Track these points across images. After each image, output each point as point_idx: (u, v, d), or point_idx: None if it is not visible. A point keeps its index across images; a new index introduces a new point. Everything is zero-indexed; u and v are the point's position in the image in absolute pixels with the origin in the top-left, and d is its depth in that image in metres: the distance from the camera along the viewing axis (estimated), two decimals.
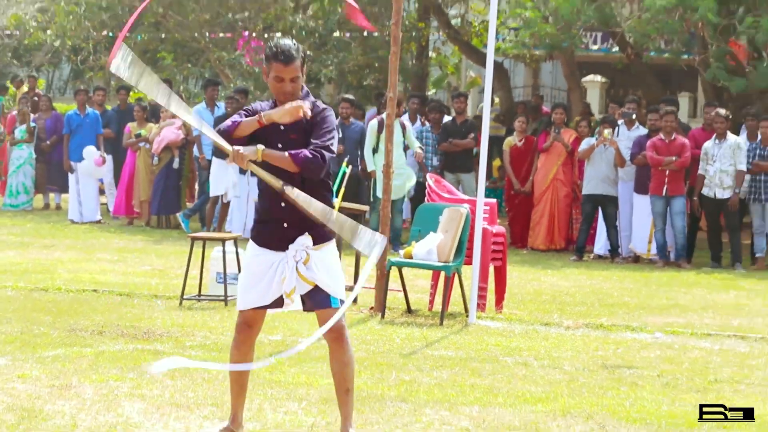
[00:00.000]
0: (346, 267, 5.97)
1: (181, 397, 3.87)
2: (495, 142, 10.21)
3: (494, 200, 6.41)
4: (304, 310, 3.37)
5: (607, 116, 9.95)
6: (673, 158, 8.59)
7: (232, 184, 9.48)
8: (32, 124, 11.41)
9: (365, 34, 12.33)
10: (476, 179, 7.72)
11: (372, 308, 5.93)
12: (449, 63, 15.69)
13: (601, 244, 9.23)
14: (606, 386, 4.29)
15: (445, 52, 15.56)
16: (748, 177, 8.68)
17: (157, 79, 3.16)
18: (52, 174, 11.35)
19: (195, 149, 10.13)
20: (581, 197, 9.27)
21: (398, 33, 5.89)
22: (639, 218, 8.93)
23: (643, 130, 9.12)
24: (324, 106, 3.31)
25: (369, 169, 8.93)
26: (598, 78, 15.21)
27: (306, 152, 3.19)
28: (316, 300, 3.28)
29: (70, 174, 10.80)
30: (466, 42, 13.40)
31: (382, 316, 5.79)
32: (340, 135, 8.73)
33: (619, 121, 9.37)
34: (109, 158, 10.88)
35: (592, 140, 9.17)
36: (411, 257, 5.85)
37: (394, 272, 5.94)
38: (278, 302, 3.33)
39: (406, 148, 8.97)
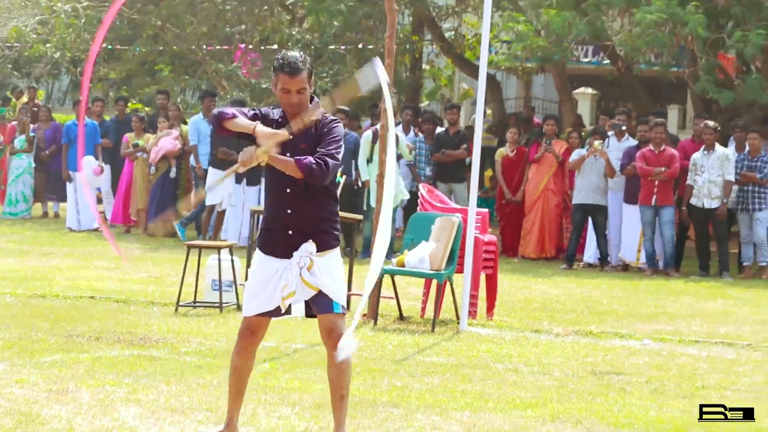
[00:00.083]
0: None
1: (176, 402, 3.93)
2: (487, 153, 10.31)
3: (486, 210, 6.50)
4: (306, 315, 3.43)
5: (598, 127, 10.09)
6: (663, 169, 8.70)
7: (228, 193, 9.58)
8: (31, 134, 11.50)
9: (360, 46, 12.47)
10: (468, 189, 7.82)
11: (365, 315, 6.01)
12: (442, 75, 15.83)
13: (590, 253, 9.32)
14: (595, 392, 4.36)
15: (439, 65, 15.70)
16: (735, 187, 8.80)
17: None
18: (51, 183, 11.43)
19: (192, 159, 10.23)
20: (571, 207, 9.38)
21: (392, 46, 6.00)
22: (628, 227, 9.04)
23: (632, 142, 9.24)
24: (333, 118, 3.38)
25: (363, 179, 9.03)
26: (589, 90, 15.35)
27: (311, 159, 3.25)
28: (319, 305, 3.34)
29: (68, 183, 10.88)
30: (459, 55, 13.54)
31: (375, 323, 5.87)
32: None
33: (609, 133, 9.50)
34: (107, 167, 10.97)
35: (583, 151, 9.29)
36: (403, 265, 5.93)
37: (386, 280, 6.01)
38: (282, 310, 3.36)
39: (399, 157, 9.07)
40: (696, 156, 8.76)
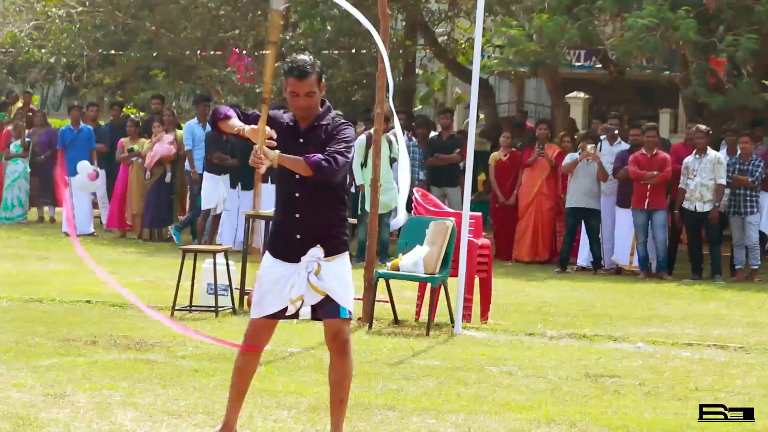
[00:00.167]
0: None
1: (173, 406, 3.94)
2: (480, 157, 10.36)
3: (479, 213, 6.52)
4: (312, 318, 3.44)
5: (590, 131, 10.15)
6: (655, 173, 8.77)
7: (223, 198, 9.60)
8: (27, 139, 11.51)
9: (353, 51, 12.51)
10: (462, 193, 7.87)
11: (360, 319, 6.04)
12: (436, 80, 15.88)
13: (584, 256, 9.37)
14: (589, 395, 4.38)
15: (432, 69, 15.75)
16: (727, 191, 8.87)
17: None
18: (46, 188, 11.44)
19: (186, 164, 10.25)
20: (565, 210, 9.44)
21: (385, 50, 6.04)
22: (621, 231, 9.09)
23: (625, 146, 9.30)
24: (343, 120, 3.39)
25: (357, 183, 9.07)
26: (582, 94, 15.42)
27: (319, 156, 3.25)
28: (326, 309, 3.35)
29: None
30: (452, 59, 13.59)
31: (370, 327, 5.89)
32: None
33: (602, 137, 9.56)
34: (102, 172, 10.98)
35: (576, 155, 9.35)
36: (398, 269, 5.96)
37: (381, 284, 6.03)
38: (290, 312, 3.36)
39: (393, 161, 9.11)
40: (688, 160, 8.82)
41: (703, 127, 8.91)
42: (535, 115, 15.64)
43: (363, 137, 9.07)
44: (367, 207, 7.79)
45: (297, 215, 3.34)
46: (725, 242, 9.19)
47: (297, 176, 3.32)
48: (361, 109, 11.70)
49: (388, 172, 8.76)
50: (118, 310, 6.16)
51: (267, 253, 3.44)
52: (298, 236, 3.35)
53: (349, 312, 3.38)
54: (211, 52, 12.76)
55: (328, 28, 11.84)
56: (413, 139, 10.27)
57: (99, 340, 5.21)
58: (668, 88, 11.45)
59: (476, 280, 6.24)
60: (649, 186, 8.77)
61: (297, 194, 3.35)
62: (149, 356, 4.87)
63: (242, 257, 6.69)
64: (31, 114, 12.12)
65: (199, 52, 12.54)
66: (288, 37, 12.02)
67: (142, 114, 13.24)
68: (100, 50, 13.15)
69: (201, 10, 12.28)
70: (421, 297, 6.29)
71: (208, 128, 10.03)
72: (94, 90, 14.55)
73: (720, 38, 9.56)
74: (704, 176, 8.70)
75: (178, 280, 6.06)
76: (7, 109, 13.59)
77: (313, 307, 3.40)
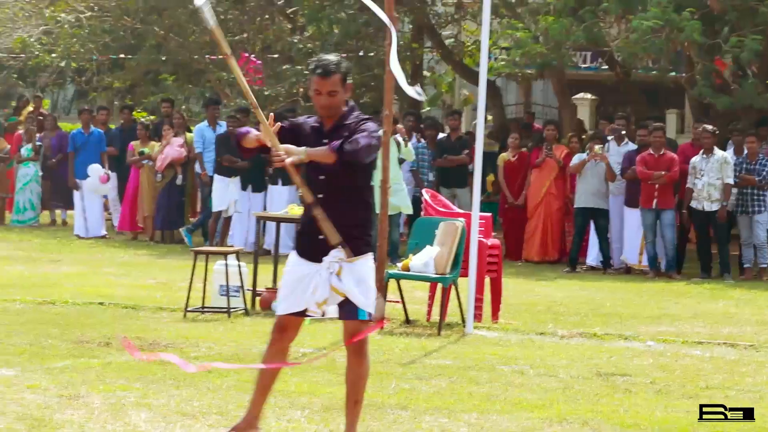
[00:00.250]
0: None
1: (187, 406, 3.97)
2: (488, 158, 10.38)
3: (489, 214, 6.54)
4: (338, 317, 3.47)
5: (597, 132, 10.16)
6: (662, 172, 8.78)
7: (234, 200, 9.66)
8: (38, 143, 11.59)
9: (360, 54, 12.55)
10: (471, 194, 7.89)
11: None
12: (443, 82, 15.90)
13: (593, 256, 9.38)
14: (600, 393, 4.39)
15: (439, 72, 15.78)
16: (735, 190, 8.87)
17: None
18: (58, 191, 11.51)
19: (197, 166, 10.30)
20: (573, 210, 9.45)
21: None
22: (630, 230, 9.10)
23: (632, 146, 9.31)
24: (365, 116, 3.42)
25: None
26: (588, 95, 15.42)
27: (342, 141, 3.27)
28: (345, 310, 3.39)
29: (75, 191, 10.96)
30: (459, 62, 13.61)
31: (382, 327, 5.94)
32: None
33: (609, 137, 9.58)
34: (113, 175, 11.05)
35: (583, 155, 9.37)
36: (409, 269, 5.99)
37: (392, 284, 6.07)
38: (315, 314, 3.42)
39: (401, 162, 9.14)
40: (695, 159, 8.83)
41: (709, 127, 8.92)
42: (542, 117, 15.64)
43: None
44: (377, 208, 7.82)
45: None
46: (733, 241, 9.20)
47: (321, 177, 3.36)
48: (369, 111, 11.72)
49: (397, 174, 8.80)
50: (131, 312, 6.20)
51: (293, 252, 3.49)
52: (321, 237, 3.38)
53: (369, 314, 3.41)
54: (220, 56, 12.81)
55: (335, 31, 11.88)
56: (422, 140, 10.31)
57: (112, 341, 5.23)
58: (674, 88, 11.45)
59: (486, 280, 6.26)
60: (657, 186, 8.78)
61: (320, 195, 3.38)
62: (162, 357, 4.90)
63: (254, 259, 6.73)
64: (41, 118, 12.20)
65: (207, 55, 12.61)
66: (296, 41, 12.08)
67: (152, 117, 13.30)
68: (110, 54, 13.22)
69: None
70: (432, 297, 6.31)
71: (219, 131, 10.11)
72: (104, 94, 14.63)
73: (725, 39, 9.57)
74: (711, 176, 8.71)
75: (191, 282, 6.08)
76: (18, 113, 13.71)
77: (338, 306, 3.42)
